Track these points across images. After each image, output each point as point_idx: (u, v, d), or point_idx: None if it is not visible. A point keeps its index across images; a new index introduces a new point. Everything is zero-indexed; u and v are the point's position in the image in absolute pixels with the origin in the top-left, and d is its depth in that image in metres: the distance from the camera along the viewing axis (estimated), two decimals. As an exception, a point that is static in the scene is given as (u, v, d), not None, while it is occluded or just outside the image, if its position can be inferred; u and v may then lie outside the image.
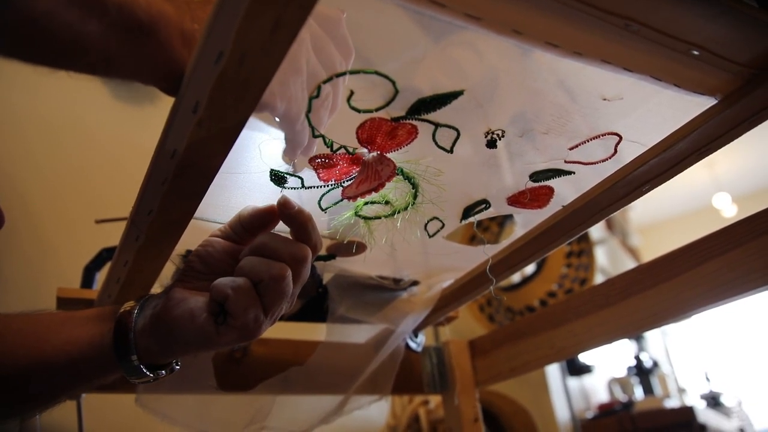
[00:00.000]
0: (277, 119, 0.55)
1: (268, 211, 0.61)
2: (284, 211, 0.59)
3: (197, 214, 0.62)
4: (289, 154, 0.60)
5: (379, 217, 0.75)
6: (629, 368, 3.37)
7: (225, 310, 0.56)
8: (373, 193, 0.65)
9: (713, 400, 3.81)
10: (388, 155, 0.65)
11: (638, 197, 0.75)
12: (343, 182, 0.68)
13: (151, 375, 0.61)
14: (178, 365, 0.65)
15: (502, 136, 0.65)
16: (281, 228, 0.61)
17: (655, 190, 0.74)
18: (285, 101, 0.53)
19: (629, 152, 0.70)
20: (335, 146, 0.63)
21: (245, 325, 0.57)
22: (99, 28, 0.47)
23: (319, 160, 0.64)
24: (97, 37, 0.47)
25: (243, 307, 0.56)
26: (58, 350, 0.57)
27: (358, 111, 0.57)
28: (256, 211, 0.61)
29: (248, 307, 0.56)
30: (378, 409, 1.79)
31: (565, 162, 0.71)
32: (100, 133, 1.62)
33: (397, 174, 0.67)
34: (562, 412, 2.57)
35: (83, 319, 0.61)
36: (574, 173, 0.73)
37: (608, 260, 3.84)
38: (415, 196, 0.72)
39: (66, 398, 0.64)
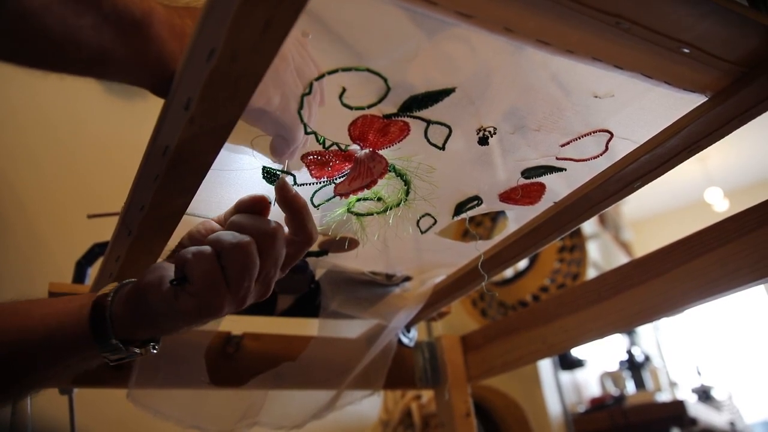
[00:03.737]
0: (269, 123, 0.55)
1: (257, 200, 0.60)
2: (281, 194, 0.59)
3: (189, 210, 0.62)
4: (279, 152, 0.59)
5: (372, 214, 0.75)
6: (621, 362, 3.38)
7: (184, 275, 0.56)
8: (366, 189, 0.65)
9: (704, 394, 3.83)
10: (380, 152, 0.65)
11: (630, 193, 0.76)
12: (336, 179, 0.68)
13: (125, 350, 0.60)
14: (155, 349, 0.64)
15: (494, 133, 0.65)
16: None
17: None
18: (279, 92, 0.53)
19: (621, 149, 0.70)
20: (327, 143, 0.63)
21: (202, 293, 0.55)
22: (93, 23, 0.47)
23: (312, 157, 0.65)
24: (91, 33, 0.47)
25: (201, 271, 0.54)
26: (38, 323, 0.58)
27: (350, 108, 0.57)
28: (246, 198, 0.61)
29: (206, 272, 0.55)
30: (370, 403, 1.80)
31: (557, 159, 0.72)
32: (93, 128, 1.61)
33: (390, 171, 0.67)
34: (554, 407, 2.57)
35: (68, 299, 0.62)
36: (565, 170, 0.74)
37: (601, 255, 3.85)
38: (407, 193, 0.72)
39: (48, 378, 0.64)
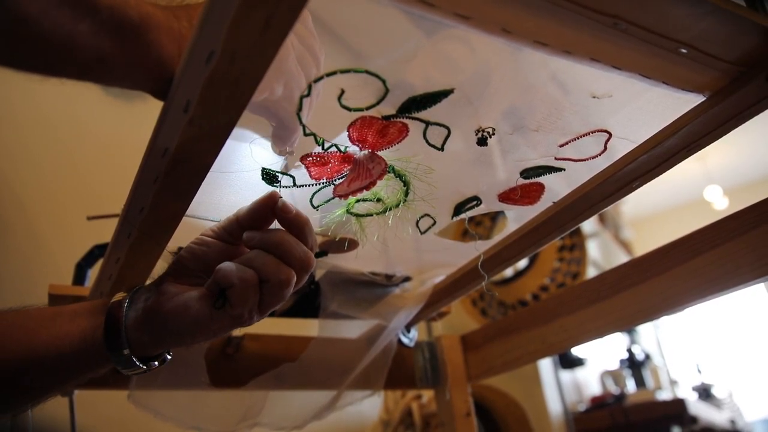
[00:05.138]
0: (272, 117, 0.55)
1: (265, 204, 0.60)
2: (282, 215, 0.59)
3: (189, 211, 0.62)
4: (282, 141, 0.59)
5: (371, 215, 0.75)
6: (621, 361, 3.39)
7: (226, 296, 0.57)
8: (365, 191, 0.65)
9: (704, 392, 3.83)
10: (380, 153, 0.65)
11: (628, 193, 0.76)
12: (335, 180, 0.68)
13: (144, 367, 0.61)
14: (170, 355, 0.65)
15: (493, 134, 0.65)
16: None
17: (647, 182, 0.75)
18: (282, 82, 0.53)
19: (620, 149, 0.70)
20: (326, 144, 0.63)
21: (240, 316, 0.58)
22: (90, 29, 0.47)
23: (311, 158, 0.65)
24: (89, 38, 0.47)
25: (244, 299, 0.57)
26: (48, 345, 0.58)
27: (349, 110, 0.57)
28: (253, 208, 0.61)
29: (249, 300, 0.57)
30: (371, 404, 1.80)
31: (556, 159, 0.72)
32: (93, 129, 1.61)
33: (389, 172, 0.67)
34: (554, 405, 2.58)
35: (72, 314, 0.61)
36: (564, 170, 0.74)
37: (600, 254, 3.85)
38: (406, 194, 0.72)
39: (58, 392, 0.65)
